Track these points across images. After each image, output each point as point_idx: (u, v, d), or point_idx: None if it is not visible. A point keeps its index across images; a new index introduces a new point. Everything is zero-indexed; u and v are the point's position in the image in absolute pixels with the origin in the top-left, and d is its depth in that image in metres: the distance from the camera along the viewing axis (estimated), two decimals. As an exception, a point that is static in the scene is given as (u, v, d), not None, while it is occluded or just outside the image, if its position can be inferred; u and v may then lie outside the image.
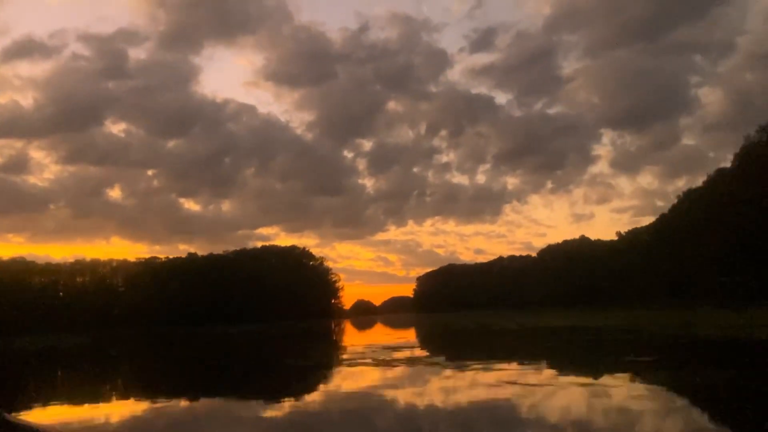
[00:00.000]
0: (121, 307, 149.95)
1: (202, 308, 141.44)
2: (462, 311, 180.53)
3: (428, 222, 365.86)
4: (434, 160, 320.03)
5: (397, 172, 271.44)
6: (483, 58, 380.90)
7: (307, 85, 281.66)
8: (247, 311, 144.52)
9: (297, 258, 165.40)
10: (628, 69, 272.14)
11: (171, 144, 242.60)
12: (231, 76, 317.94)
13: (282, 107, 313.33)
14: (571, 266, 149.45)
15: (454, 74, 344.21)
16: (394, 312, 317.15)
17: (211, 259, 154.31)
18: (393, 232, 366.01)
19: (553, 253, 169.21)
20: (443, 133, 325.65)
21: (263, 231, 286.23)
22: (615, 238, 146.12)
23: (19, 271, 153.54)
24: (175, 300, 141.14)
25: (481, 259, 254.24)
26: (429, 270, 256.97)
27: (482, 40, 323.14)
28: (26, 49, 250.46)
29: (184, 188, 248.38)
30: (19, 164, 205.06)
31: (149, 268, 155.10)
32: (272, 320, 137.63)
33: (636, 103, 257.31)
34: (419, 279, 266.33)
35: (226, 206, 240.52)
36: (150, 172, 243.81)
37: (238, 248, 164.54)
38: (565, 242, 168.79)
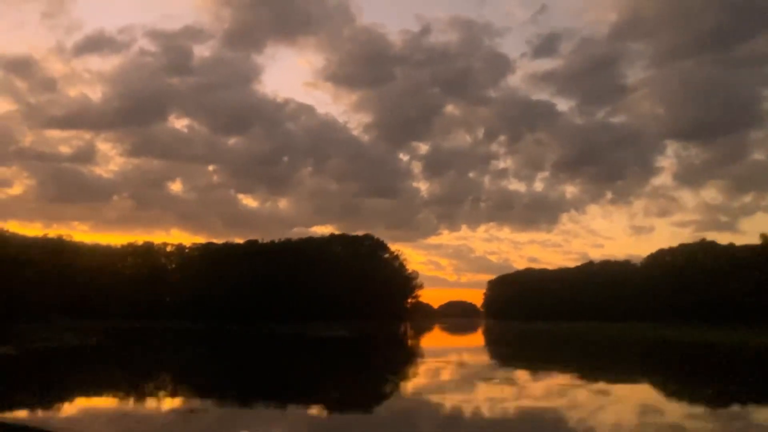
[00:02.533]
0: (173, 295, 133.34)
1: (262, 302, 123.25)
2: (547, 321, 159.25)
3: (482, 228, 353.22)
4: (491, 165, 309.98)
5: (452, 176, 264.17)
6: (545, 64, 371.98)
7: (366, 86, 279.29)
8: (312, 308, 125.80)
9: (369, 249, 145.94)
10: (697, 80, 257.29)
11: (231, 141, 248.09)
12: (291, 76, 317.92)
13: (340, 108, 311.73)
14: (695, 274, 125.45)
15: (515, 80, 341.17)
16: (453, 316, 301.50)
17: (273, 246, 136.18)
18: (445, 237, 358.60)
19: (664, 259, 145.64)
20: (501, 138, 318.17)
21: (317, 230, 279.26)
22: (754, 243, 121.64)
23: (62, 252, 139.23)
24: (233, 291, 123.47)
25: (534, 266, 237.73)
26: (482, 276, 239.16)
27: (545, 46, 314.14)
28: (97, 44, 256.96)
29: (243, 185, 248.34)
30: (87, 155, 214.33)
31: (206, 254, 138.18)
32: (340, 320, 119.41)
33: (703, 115, 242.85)
34: (491, 283, 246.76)
35: (282, 204, 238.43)
36: (210, 168, 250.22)
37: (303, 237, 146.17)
38: (683, 246, 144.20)
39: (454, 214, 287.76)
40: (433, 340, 62.41)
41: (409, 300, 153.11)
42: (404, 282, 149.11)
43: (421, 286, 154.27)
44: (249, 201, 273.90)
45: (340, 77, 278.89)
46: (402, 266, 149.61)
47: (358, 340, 52.86)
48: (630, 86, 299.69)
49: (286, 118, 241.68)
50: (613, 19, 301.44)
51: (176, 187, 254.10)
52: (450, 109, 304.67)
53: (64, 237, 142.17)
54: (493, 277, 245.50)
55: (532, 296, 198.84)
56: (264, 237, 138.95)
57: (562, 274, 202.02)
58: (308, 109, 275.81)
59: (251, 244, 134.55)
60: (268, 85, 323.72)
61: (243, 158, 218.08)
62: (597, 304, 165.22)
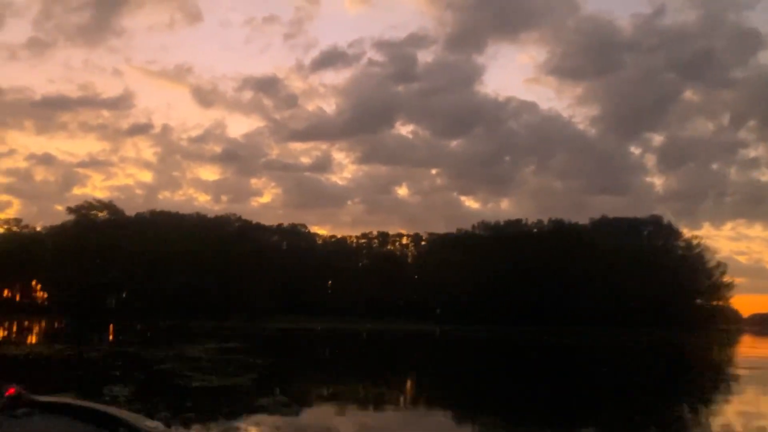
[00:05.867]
0: (412, 289, 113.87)
1: (519, 299, 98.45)
2: None
3: (728, 225, 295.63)
4: (738, 155, 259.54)
5: (691, 169, 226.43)
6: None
7: (592, 77, 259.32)
8: (582, 308, 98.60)
9: (654, 236, 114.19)
10: None
11: (453, 143, 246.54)
12: (513, 73, 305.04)
13: (564, 102, 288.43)
14: None
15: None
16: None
17: (536, 229, 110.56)
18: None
19: None
20: (751, 124, 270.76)
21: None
22: None
23: (298, 240, 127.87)
24: (486, 286, 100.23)
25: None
26: (728, 279, 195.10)
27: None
28: (330, 59, 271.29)
29: (465, 186, 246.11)
30: (324, 164, 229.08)
31: (452, 242, 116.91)
32: (616, 325, 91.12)
33: None
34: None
35: (504, 204, 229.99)
36: (434, 171, 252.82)
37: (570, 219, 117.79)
38: None
39: (694, 211, 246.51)
40: None
41: (714, 303, 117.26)
42: (704, 279, 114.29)
43: (730, 286, 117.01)
44: (471, 202, 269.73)
45: (564, 70, 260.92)
46: (700, 258, 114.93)
47: None
48: None
49: (507, 116, 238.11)
50: None
51: (402, 191, 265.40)
52: (688, 94, 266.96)
53: (299, 226, 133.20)
54: (742, 280, 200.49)
55: None
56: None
57: None
58: (530, 106, 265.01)
59: (511, 225, 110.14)
60: (489, 85, 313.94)
61: (465, 160, 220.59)
62: None
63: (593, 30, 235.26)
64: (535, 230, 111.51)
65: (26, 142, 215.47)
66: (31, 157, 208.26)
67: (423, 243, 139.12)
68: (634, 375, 27.30)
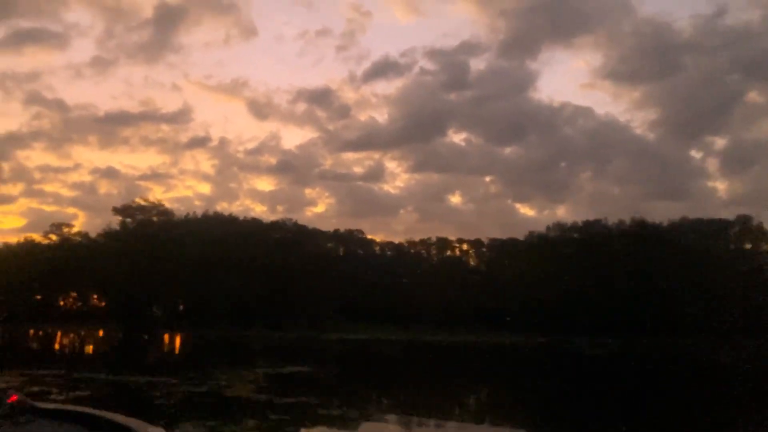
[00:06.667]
0: (481, 297, 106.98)
1: (612, 307, 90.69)
2: None
3: None
4: None
5: (757, 172, 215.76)
6: None
7: (650, 81, 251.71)
8: (677, 316, 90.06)
9: (742, 237, 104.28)
10: None
11: (507, 150, 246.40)
12: (567, 79, 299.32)
13: (621, 107, 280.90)
14: None
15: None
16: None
17: (626, 230, 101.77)
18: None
19: None
20: None
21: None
22: None
23: (353, 246, 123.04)
24: (570, 292, 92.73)
25: None
26: None
27: None
28: (382, 69, 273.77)
29: (520, 193, 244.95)
30: (377, 173, 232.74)
31: (523, 247, 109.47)
32: (710, 334, 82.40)
33: None
34: None
35: (560, 211, 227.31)
36: (487, 179, 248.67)
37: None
38: None
39: (760, 216, 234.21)
40: None
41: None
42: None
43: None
44: (526, 210, 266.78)
45: (621, 74, 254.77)
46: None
47: None
48: None
49: (562, 122, 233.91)
50: None
51: (455, 199, 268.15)
52: (753, 95, 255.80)
53: (356, 232, 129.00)
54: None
55: None
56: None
57: None
58: (586, 111, 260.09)
59: (589, 226, 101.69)
60: (543, 91, 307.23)
61: (519, 167, 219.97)
62: None
63: (651, 32, 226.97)
64: (615, 232, 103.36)
65: (90, 156, 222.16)
66: (95, 170, 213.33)
67: (483, 249, 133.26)
68: None
